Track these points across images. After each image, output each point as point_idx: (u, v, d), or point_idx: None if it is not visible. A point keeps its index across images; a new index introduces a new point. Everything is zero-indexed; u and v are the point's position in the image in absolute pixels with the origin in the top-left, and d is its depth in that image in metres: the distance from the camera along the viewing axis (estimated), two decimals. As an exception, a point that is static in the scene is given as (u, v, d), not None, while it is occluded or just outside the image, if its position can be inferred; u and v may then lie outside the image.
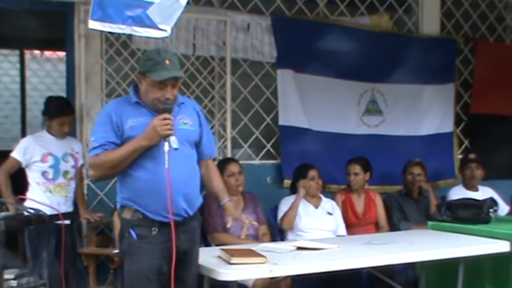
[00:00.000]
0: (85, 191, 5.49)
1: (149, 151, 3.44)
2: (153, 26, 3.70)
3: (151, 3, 3.69)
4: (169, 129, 3.38)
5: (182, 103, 3.62)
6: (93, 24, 3.72)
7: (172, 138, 3.40)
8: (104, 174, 3.54)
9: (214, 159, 4.21)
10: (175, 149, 3.39)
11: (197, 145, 3.69)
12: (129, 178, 3.49)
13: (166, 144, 3.38)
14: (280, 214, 5.53)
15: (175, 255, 3.37)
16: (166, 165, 3.35)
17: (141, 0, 3.68)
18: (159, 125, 3.37)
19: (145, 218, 3.47)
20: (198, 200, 3.66)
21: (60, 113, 5.12)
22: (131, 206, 3.50)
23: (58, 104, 5.27)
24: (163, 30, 3.75)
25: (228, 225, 3.99)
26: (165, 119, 3.38)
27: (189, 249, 3.55)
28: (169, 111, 3.44)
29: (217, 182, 3.91)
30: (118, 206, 3.60)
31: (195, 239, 3.64)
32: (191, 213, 3.57)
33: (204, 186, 3.92)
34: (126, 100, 3.60)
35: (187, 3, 3.79)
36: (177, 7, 3.71)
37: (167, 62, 3.43)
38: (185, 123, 3.58)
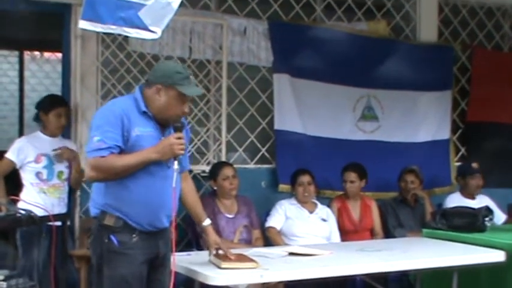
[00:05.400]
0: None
1: (147, 165, 3.43)
2: (144, 27, 3.71)
3: (143, 5, 3.70)
4: (183, 149, 3.41)
5: None
6: (83, 24, 3.74)
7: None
8: (104, 178, 3.42)
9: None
10: (177, 170, 3.41)
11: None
12: (120, 186, 3.44)
13: (175, 163, 3.39)
14: (271, 218, 5.57)
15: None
16: (174, 185, 3.38)
17: (132, 1, 3.70)
18: (176, 144, 3.36)
19: (126, 225, 3.47)
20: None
21: (55, 104, 5.15)
22: (113, 212, 3.46)
23: (51, 98, 5.36)
24: (154, 33, 3.76)
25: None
26: (180, 138, 3.39)
27: (166, 252, 3.62)
28: (181, 129, 3.45)
29: (195, 200, 3.87)
30: (95, 211, 3.53)
31: (169, 242, 3.64)
32: (167, 225, 3.61)
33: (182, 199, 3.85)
34: (133, 105, 3.50)
35: (181, 5, 3.79)
36: (169, 10, 3.72)
37: (192, 78, 3.50)
38: None
